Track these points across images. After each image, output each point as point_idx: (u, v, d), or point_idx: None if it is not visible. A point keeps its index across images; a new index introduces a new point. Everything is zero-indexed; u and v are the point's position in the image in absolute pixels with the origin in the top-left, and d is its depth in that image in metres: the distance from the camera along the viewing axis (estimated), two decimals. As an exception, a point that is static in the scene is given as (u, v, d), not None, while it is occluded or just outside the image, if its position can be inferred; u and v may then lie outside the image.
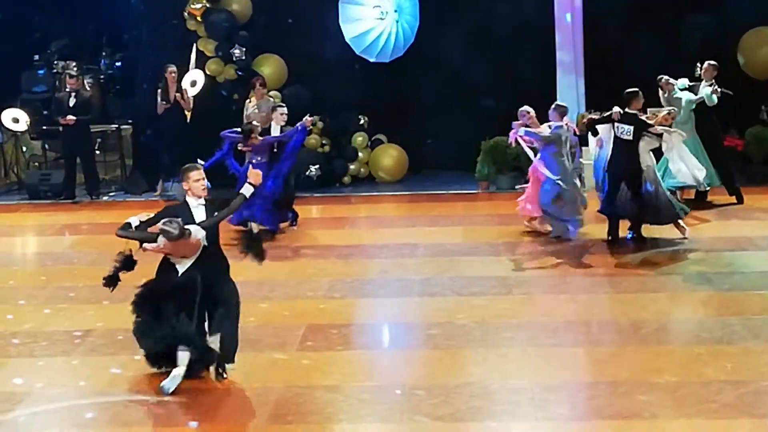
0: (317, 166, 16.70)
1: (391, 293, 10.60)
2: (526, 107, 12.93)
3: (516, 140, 12.67)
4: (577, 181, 12.81)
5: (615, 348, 8.66)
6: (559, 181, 12.26)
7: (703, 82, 14.07)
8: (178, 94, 16.30)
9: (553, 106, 12.65)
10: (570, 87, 16.58)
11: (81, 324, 9.73)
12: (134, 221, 8.37)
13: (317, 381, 8.09)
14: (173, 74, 16.26)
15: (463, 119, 16.61)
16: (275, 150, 13.28)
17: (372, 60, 17.11)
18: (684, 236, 12.19)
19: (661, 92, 14.04)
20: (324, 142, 17.06)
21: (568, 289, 10.63)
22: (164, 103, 16.30)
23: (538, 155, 12.58)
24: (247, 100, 16.38)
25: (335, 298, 10.42)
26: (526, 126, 12.62)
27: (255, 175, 8.68)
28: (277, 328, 9.41)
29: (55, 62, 17.73)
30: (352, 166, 17.03)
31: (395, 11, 16.98)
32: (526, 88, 16.15)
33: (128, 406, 7.74)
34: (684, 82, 14.08)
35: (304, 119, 13.44)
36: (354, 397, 7.75)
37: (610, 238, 12.23)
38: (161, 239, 8.04)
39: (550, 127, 12.43)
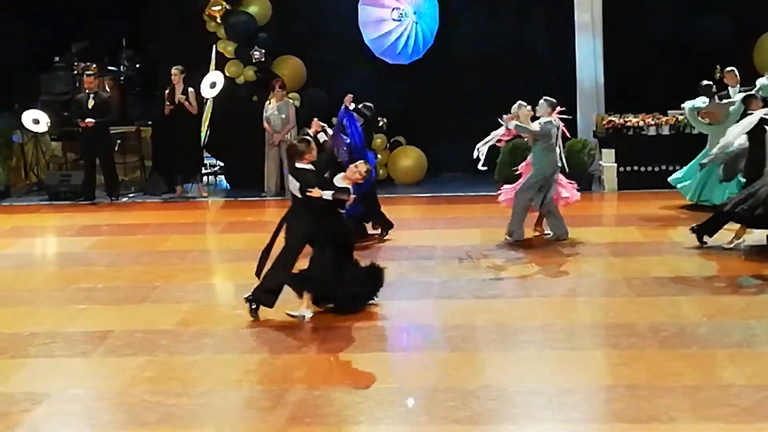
0: (336, 168, 16.70)
1: (409, 295, 10.59)
2: (521, 101, 12.84)
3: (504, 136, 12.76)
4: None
5: (633, 351, 8.62)
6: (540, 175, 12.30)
7: (730, 89, 13.68)
8: (182, 96, 16.36)
9: (542, 100, 12.54)
10: (589, 54, 16.61)
11: (100, 325, 9.76)
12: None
13: (336, 383, 8.09)
14: (176, 76, 16.33)
15: (483, 121, 16.57)
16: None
17: (391, 62, 17.12)
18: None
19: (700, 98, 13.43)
20: (342, 143, 17.06)
21: (586, 291, 10.60)
22: (169, 104, 16.38)
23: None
24: (267, 102, 16.43)
25: (353, 300, 10.40)
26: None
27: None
28: (296, 330, 9.41)
29: (76, 64, 17.82)
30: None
31: (414, 13, 17.00)
32: (546, 89, 16.15)
33: (147, 407, 7.74)
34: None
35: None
36: (372, 399, 7.75)
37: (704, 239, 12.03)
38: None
39: (539, 122, 12.37)
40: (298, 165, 9.79)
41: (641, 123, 16.07)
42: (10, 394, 8.05)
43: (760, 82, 13.49)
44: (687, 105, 13.76)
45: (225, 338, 9.35)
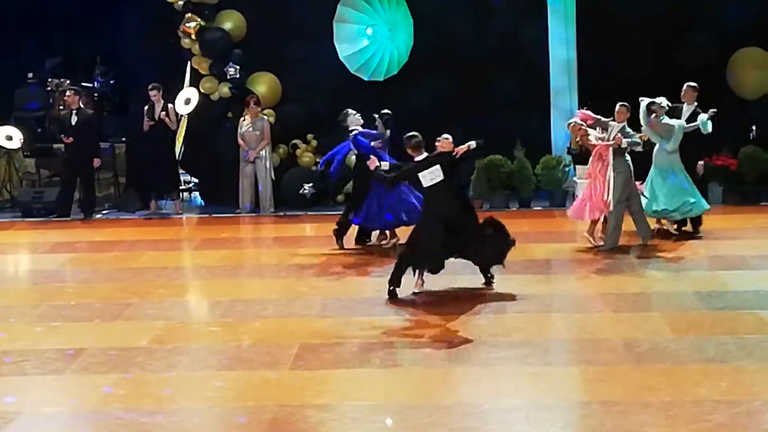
0: (311, 185, 16.70)
1: (384, 312, 10.57)
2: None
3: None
4: None
5: (609, 367, 8.63)
6: None
7: (685, 105, 13.61)
8: (162, 113, 16.34)
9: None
10: (563, 69, 16.72)
11: (73, 342, 9.69)
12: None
13: (310, 400, 8.06)
14: (156, 93, 16.31)
15: (458, 137, 16.62)
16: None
17: (366, 78, 17.17)
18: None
19: (643, 114, 13.29)
20: (318, 160, 17.06)
21: (561, 307, 10.62)
22: (149, 120, 16.36)
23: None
24: (241, 118, 16.42)
25: (328, 317, 10.39)
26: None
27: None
28: (270, 347, 9.38)
29: (49, 80, 17.75)
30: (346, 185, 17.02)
31: (389, 30, 17.07)
32: (520, 103, 16.26)
33: (121, 424, 7.69)
34: (663, 100, 13.46)
35: None
36: (347, 416, 7.72)
37: None
38: None
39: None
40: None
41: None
42: (-18, 412, 7.98)
43: (700, 118, 13.47)
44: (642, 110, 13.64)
45: (199, 355, 9.30)
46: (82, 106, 16.65)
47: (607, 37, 16.90)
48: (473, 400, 7.96)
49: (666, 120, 13.28)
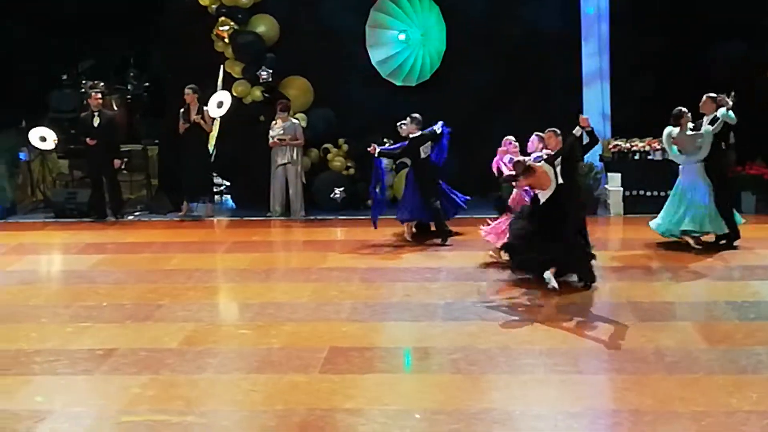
0: (342, 189, 16.73)
1: (413, 317, 10.56)
2: (509, 137, 13.16)
3: (498, 168, 12.84)
4: None
5: (639, 376, 8.59)
6: None
7: (705, 118, 13.48)
8: (197, 116, 16.41)
9: (533, 135, 12.64)
10: (596, 97, 16.67)
11: (104, 343, 9.76)
12: None
13: (339, 404, 8.07)
14: (190, 96, 16.39)
15: (488, 143, 16.60)
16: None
17: (398, 84, 17.18)
18: None
19: (667, 138, 13.26)
20: (349, 164, 17.09)
21: (591, 315, 10.57)
22: (184, 123, 16.44)
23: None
24: (273, 122, 16.46)
25: (358, 321, 10.40)
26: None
27: None
28: (300, 350, 9.40)
29: (83, 81, 17.87)
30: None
31: (421, 35, 17.07)
32: (550, 110, 16.18)
33: (150, 426, 7.73)
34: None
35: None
36: (375, 420, 7.73)
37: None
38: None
39: (529, 156, 12.42)
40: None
41: (647, 147, 16.09)
42: (14, 411, 8.06)
43: (720, 113, 13.31)
44: (665, 131, 13.59)
45: (229, 358, 9.33)
46: (103, 108, 16.71)
47: (640, 43, 16.82)
48: (502, 406, 7.95)
49: (690, 132, 13.18)
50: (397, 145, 14.45)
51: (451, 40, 17.03)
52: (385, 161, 14.99)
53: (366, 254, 13.63)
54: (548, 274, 11.27)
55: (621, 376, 8.63)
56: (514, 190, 12.63)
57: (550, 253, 11.30)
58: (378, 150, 14.07)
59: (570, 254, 11.41)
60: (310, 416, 7.81)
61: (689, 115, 13.27)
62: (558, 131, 11.73)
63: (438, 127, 14.16)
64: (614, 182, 16.19)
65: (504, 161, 12.83)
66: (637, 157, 16.19)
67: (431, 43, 17.13)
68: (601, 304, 11.02)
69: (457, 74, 17.04)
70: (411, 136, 13.99)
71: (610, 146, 16.29)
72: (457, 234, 14.12)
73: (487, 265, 12.66)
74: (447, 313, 10.66)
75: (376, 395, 8.29)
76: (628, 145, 16.25)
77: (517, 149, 12.95)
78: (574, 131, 11.61)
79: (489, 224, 13.04)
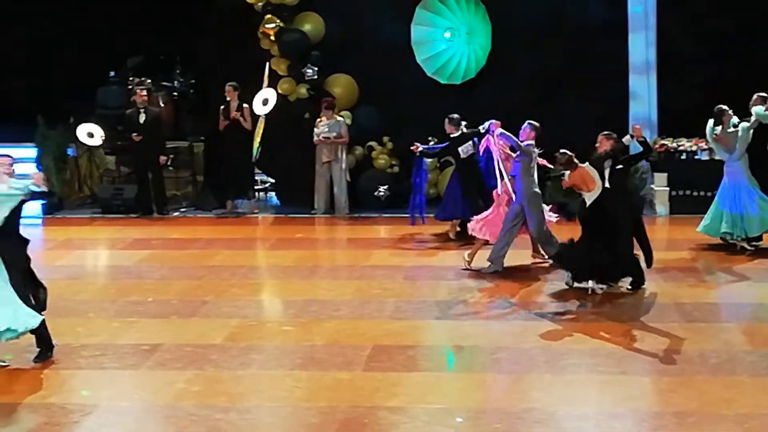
0: (386, 187, 16.75)
1: (456, 315, 10.57)
2: (495, 121, 12.74)
3: (488, 144, 12.70)
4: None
5: (683, 378, 8.54)
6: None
7: (753, 116, 13.34)
8: (237, 113, 16.50)
9: (525, 123, 12.49)
10: (642, 75, 16.56)
11: (149, 338, 9.85)
12: None
13: (382, 401, 8.10)
14: (231, 92, 16.48)
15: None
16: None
17: (443, 82, 17.17)
18: None
19: (713, 122, 13.13)
20: (393, 162, 17.10)
21: (635, 316, 10.51)
22: (224, 120, 16.54)
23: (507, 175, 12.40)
24: (318, 120, 16.51)
25: (401, 319, 10.43)
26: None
27: None
28: (343, 347, 9.44)
29: (130, 78, 18.02)
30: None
31: (467, 33, 17.05)
32: (597, 109, 16.11)
33: (194, 420, 7.80)
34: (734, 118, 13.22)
35: None
36: (419, 419, 7.75)
37: None
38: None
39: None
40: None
41: (694, 147, 15.96)
42: (61, 404, 8.16)
43: (755, 111, 13.16)
44: (707, 127, 13.45)
45: (273, 354, 9.39)
46: (148, 105, 16.84)
47: (687, 43, 16.69)
48: (544, 406, 7.94)
49: (731, 130, 13.08)
50: (440, 144, 14.42)
51: (496, 38, 16.99)
52: (427, 160, 14.98)
53: (409, 252, 13.65)
54: (592, 284, 11.20)
55: (665, 378, 8.59)
56: (506, 180, 12.42)
57: (599, 261, 11.12)
58: (420, 149, 14.06)
59: (620, 261, 11.24)
60: (352, 413, 7.84)
61: (731, 112, 13.16)
62: (611, 134, 11.50)
63: (483, 127, 14.10)
64: (661, 182, 16.08)
65: (497, 134, 12.46)
66: (684, 156, 16.07)
67: (477, 41, 17.10)
68: (646, 305, 10.95)
69: (502, 73, 16.99)
70: (451, 135, 13.96)
71: (657, 145, 16.17)
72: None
73: (531, 265, 12.63)
74: (490, 312, 10.66)
75: (419, 393, 8.30)
76: (674, 144, 16.14)
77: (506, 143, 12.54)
78: (623, 139, 11.52)
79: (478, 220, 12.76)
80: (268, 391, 8.44)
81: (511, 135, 12.29)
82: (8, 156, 9.38)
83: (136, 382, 8.77)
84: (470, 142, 13.98)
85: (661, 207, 15.93)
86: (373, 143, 17.26)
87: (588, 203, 11.18)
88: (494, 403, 8.03)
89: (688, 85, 16.36)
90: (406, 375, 8.75)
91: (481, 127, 14.04)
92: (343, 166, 16.58)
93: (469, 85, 17.12)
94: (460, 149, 13.87)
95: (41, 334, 9.16)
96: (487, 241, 12.49)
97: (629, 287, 11.32)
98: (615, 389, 8.30)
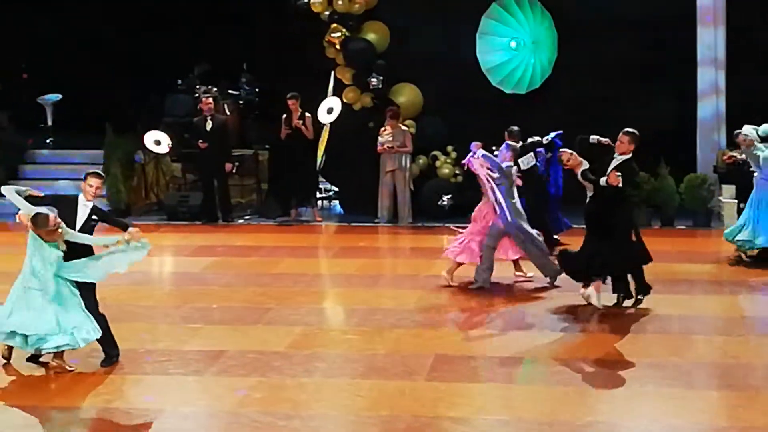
0: (449, 196, 16.71)
1: (519, 326, 10.52)
2: (476, 143, 12.39)
3: (470, 165, 12.30)
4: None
5: (750, 392, 8.42)
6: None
7: None
8: (299, 122, 16.58)
9: (504, 144, 12.62)
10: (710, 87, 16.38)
11: (214, 344, 9.92)
12: None
13: (444, 412, 8.07)
14: (293, 102, 16.59)
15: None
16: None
17: (508, 91, 17.12)
18: None
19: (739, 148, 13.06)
20: (457, 172, 17.06)
21: (702, 329, 10.38)
22: (286, 128, 16.64)
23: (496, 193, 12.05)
24: (383, 129, 16.54)
25: (464, 329, 10.39)
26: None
27: None
28: (406, 357, 9.43)
29: (197, 86, 18.19)
30: (484, 197, 16.96)
31: (532, 43, 16.98)
32: (665, 120, 15.96)
33: (257, 427, 7.83)
34: (766, 128, 13.11)
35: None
36: (480, 430, 7.71)
37: None
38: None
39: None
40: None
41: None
42: (126, 410, 8.24)
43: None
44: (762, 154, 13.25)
45: (336, 362, 9.41)
46: (215, 113, 16.98)
47: (757, 54, 16.48)
48: (609, 419, 7.87)
49: (757, 151, 12.91)
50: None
51: (562, 48, 16.90)
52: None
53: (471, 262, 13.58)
54: (590, 291, 10.91)
55: (732, 392, 8.47)
56: (493, 200, 12.05)
57: (599, 255, 10.80)
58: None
59: (617, 254, 10.83)
60: (415, 423, 7.83)
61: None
62: (631, 131, 11.13)
63: (546, 138, 14.00)
64: (728, 194, 15.87)
65: (478, 155, 12.09)
66: (752, 168, 15.82)
67: (542, 51, 17.03)
68: (714, 318, 10.81)
69: (567, 83, 16.89)
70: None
71: (725, 157, 15.95)
72: (561, 244, 13.84)
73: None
74: (553, 324, 10.59)
75: (482, 404, 8.27)
76: (743, 156, 15.89)
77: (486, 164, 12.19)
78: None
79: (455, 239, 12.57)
80: (331, 400, 8.46)
81: (492, 156, 12.24)
82: (100, 176, 9.50)
83: (200, 388, 8.84)
84: (531, 154, 13.88)
85: (729, 219, 15.71)
86: (437, 152, 17.24)
87: (588, 197, 11.02)
88: (557, 416, 7.96)
89: (759, 92, 16.14)
90: (469, 386, 8.72)
91: (544, 139, 13.99)
92: (407, 175, 16.58)
93: (534, 94, 17.03)
94: (520, 161, 13.72)
95: (105, 338, 9.26)
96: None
97: (630, 301, 11.02)
98: (680, 403, 8.20)
